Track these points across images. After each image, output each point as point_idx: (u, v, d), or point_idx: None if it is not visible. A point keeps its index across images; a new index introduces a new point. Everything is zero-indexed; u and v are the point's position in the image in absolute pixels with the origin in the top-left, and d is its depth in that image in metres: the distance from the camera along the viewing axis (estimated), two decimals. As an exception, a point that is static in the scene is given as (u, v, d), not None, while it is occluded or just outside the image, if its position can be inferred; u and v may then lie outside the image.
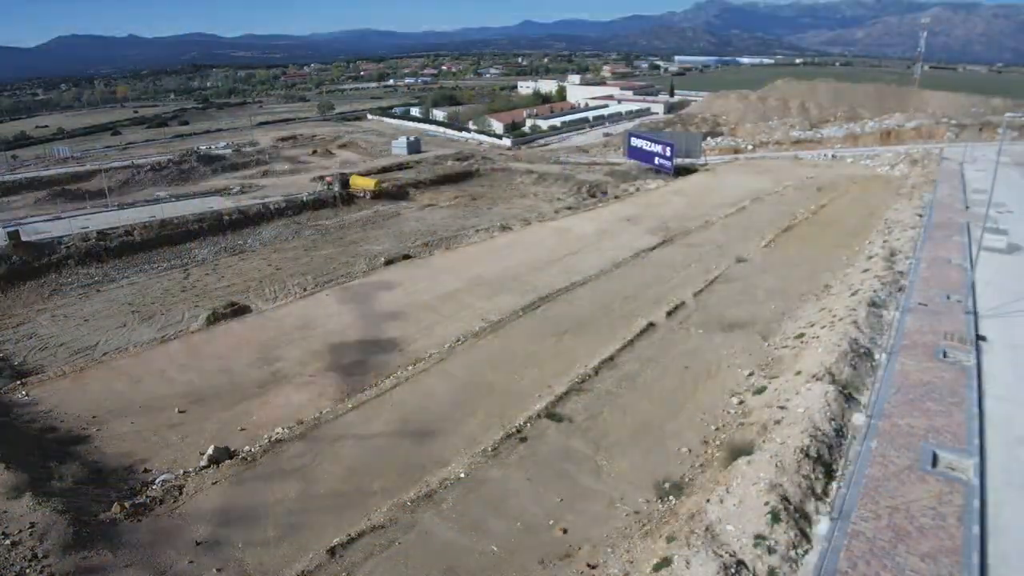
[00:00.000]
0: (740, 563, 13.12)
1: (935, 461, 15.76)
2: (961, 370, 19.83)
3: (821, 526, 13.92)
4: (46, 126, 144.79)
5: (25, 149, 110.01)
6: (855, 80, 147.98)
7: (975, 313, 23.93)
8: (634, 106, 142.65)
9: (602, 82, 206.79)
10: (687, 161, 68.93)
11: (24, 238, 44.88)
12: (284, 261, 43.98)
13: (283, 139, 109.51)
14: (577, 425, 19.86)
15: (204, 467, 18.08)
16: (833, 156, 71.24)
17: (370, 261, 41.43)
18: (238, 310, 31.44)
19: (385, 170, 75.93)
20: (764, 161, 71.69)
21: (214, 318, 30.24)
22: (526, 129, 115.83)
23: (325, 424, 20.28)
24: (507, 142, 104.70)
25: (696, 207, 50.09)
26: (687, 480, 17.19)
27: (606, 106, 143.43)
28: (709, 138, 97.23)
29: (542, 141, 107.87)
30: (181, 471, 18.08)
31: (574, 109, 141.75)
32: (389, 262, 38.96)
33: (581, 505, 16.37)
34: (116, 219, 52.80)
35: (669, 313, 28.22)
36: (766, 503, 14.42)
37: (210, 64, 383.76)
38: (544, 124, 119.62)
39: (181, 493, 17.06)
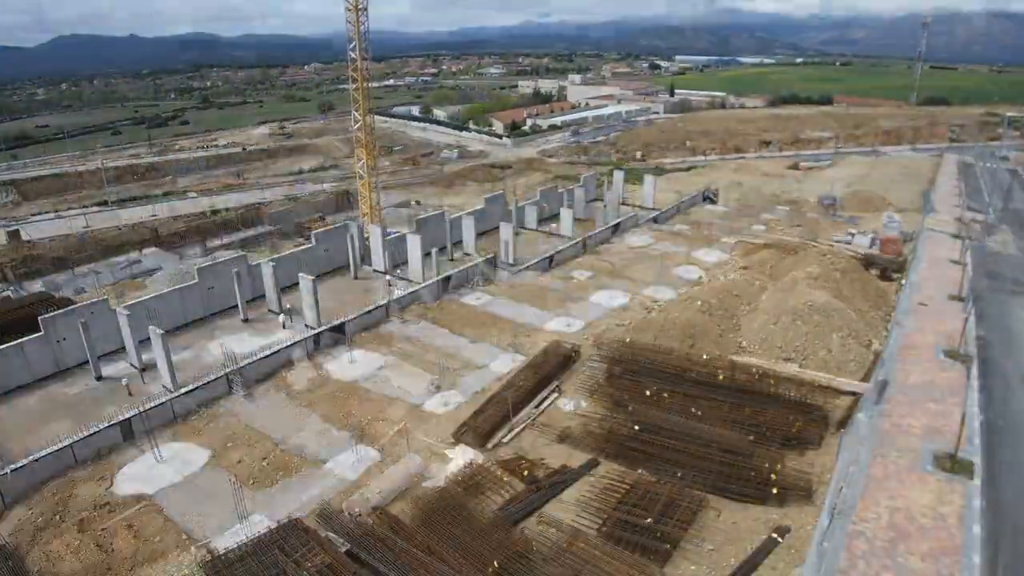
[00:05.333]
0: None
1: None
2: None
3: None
4: (46, 126, 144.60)
5: (24, 149, 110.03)
6: (857, 80, 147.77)
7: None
8: (634, 106, 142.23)
9: (602, 82, 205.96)
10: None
11: (25, 237, 44.91)
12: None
13: (281, 132, 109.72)
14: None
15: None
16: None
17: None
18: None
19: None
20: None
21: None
22: (526, 128, 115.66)
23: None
24: (508, 141, 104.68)
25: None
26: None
27: (606, 106, 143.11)
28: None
29: (542, 140, 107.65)
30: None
31: (574, 109, 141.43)
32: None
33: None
34: (115, 218, 52.80)
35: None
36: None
37: (210, 64, 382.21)
38: (544, 123, 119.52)
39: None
